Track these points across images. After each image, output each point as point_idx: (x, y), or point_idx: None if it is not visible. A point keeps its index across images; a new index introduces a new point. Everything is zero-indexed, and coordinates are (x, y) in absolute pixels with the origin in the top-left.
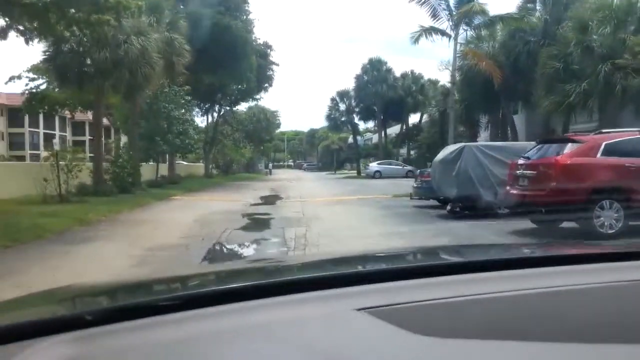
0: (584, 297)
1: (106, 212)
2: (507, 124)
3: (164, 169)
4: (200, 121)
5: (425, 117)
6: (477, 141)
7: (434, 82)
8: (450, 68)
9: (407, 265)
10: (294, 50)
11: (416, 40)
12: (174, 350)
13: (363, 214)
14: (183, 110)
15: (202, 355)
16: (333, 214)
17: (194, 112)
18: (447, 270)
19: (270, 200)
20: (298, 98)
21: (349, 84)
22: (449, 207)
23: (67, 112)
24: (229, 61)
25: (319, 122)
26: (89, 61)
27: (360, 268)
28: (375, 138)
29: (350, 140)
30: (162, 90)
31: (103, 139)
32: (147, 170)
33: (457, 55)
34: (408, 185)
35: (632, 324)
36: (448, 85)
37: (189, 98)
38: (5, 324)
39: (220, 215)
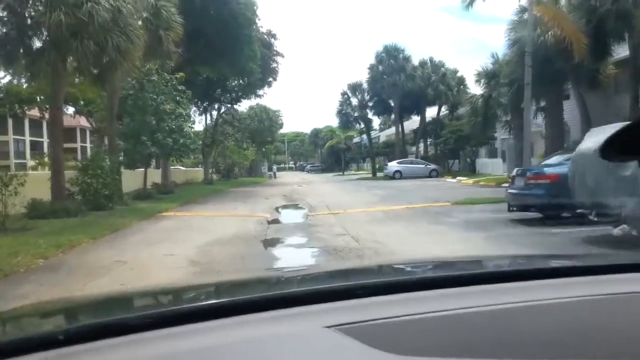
0: (555, 311)
1: (52, 248)
2: (560, 110)
3: (156, 176)
4: (198, 121)
5: (457, 107)
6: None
7: (454, 72)
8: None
9: (378, 281)
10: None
11: (470, 3)
12: None
13: (451, 240)
14: (178, 102)
15: None
16: (400, 240)
17: (191, 110)
18: (417, 286)
19: (291, 214)
20: (298, 98)
21: (360, 76)
22: (619, 229)
23: (39, 111)
24: (229, 48)
25: (322, 122)
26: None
27: (330, 284)
28: (382, 136)
29: (357, 139)
30: (148, 78)
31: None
32: (134, 179)
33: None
34: (446, 187)
35: (605, 338)
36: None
37: (184, 88)
38: None
39: (230, 248)
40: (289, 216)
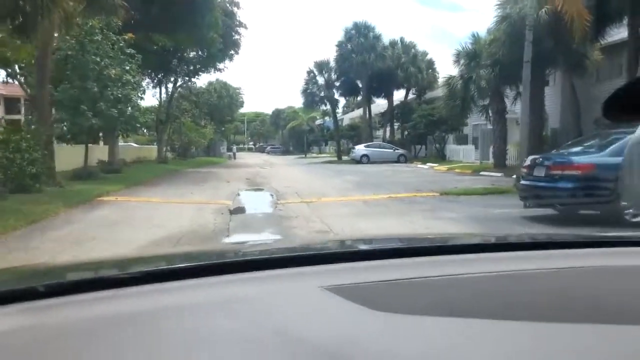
0: (529, 280)
1: None
2: (542, 96)
3: (103, 153)
4: (152, 94)
5: (437, 87)
6: (505, 118)
7: (424, 54)
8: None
9: (373, 247)
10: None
11: None
12: (135, 320)
13: None
14: (125, 68)
15: (163, 328)
16: None
17: (143, 80)
18: (410, 253)
19: (257, 201)
20: (260, 76)
21: (327, 56)
22: None
23: None
24: (188, 14)
25: (284, 102)
26: None
27: (328, 249)
28: (346, 119)
29: (319, 121)
30: (91, 38)
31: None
32: (74, 155)
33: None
34: (420, 174)
35: (571, 306)
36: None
37: (133, 52)
38: None
39: (184, 249)
40: (254, 204)
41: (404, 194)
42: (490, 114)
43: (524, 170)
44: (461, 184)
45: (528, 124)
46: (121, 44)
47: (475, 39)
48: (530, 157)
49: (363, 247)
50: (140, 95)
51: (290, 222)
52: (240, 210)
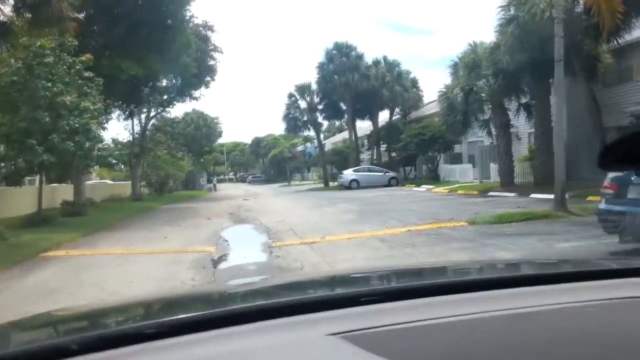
0: (548, 318)
1: None
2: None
3: (69, 193)
4: (124, 127)
5: (431, 103)
6: (510, 132)
7: (407, 72)
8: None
9: (380, 288)
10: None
11: None
12: None
13: None
14: (85, 94)
15: None
16: None
17: (113, 114)
18: (420, 293)
19: (245, 244)
20: (238, 106)
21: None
22: None
23: None
24: (158, 35)
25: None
26: None
27: (331, 292)
28: (328, 144)
29: (300, 147)
30: (40, 59)
31: None
32: (31, 198)
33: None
34: (424, 198)
35: (599, 344)
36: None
37: (92, 75)
38: None
39: None
40: (243, 249)
41: (423, 225)
42: (493, 129)
43: (608, 191)
44: (481, 209)
45: (560, 135)
46: (78, 67)
47: (473, 47)
48: (612, 175)
49: (373, 287)
50: (102, 124)
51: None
52: (224, 259)
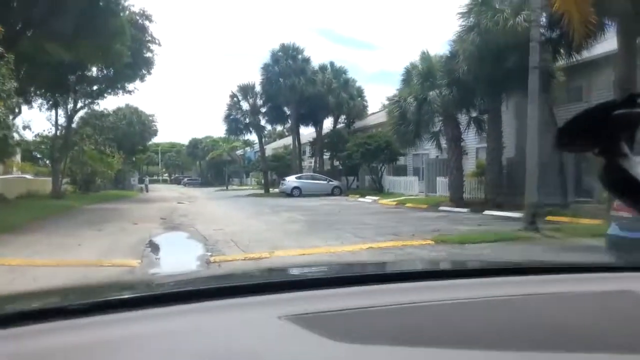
0: (487, 307)
1: None
2: (499, 119)
3: None
4: (46, 117)
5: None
6: (461, 146)
7: (354, 81)
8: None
9: (329, 275)
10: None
11: None
12: (82, 353)
13: None
14: None
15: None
16: None
17: (35, 103)
18: (365, 280)
19: (177, 257)
20: (175, 105)
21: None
22: None
23: None
24: (87, 17)
25: (201, 132)
26: None
27: (284, 276)
28: (268, 149)
29: (240, 151)
30: None
31: None
32: None
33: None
34: (373, 210)
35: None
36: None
37: (1, 50)
38: None
39: None
40: (173, 264)
41: (384, 243)
42: (443, 142)
43: (622, 213)
44: (439, 225)
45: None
46: None
47: (425, 55)
48: None
49: (321, 274)
50: (11, 108)
51: None
52: (150, 277)
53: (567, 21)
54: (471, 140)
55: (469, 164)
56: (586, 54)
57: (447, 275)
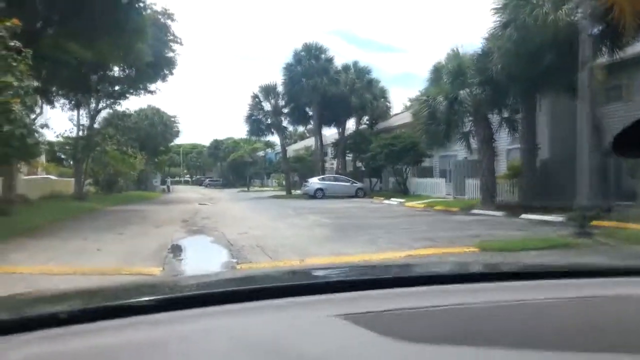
0: (546, 309)
1: None
2: (534, 120)
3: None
4: (68, 117)
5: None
6: (493, 147)
7: (377, 81)
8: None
9: (386, 275)
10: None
11: None
12: (142, 350)
13: None
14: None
15: (170, 356)
16: None
17: (57, 103)
18: (425, 281)
19: (201, 264)
20: (197, 106)
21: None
22: None
23: None
24: (109, 19)
25: (223, 133)
26: None
27: (339, 277)
28: (289, 151)
29: (261, 152)
30: None
31: None
32: None
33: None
34: (401, 213)
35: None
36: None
37: (19, 45)
38: None
39: None
40: (197, 272)
41: (423, 250)
42: (474, 142)
43: None
44: (477, 230)
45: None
46: (1, 33)
47: (455, 53)
48: None
49: (373, 275)
50: (29, 106)
51: None
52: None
53: (617, 13)
54: (501, 141)
55: (500, 166)
56: (630, 51)
57: (505, 278)
